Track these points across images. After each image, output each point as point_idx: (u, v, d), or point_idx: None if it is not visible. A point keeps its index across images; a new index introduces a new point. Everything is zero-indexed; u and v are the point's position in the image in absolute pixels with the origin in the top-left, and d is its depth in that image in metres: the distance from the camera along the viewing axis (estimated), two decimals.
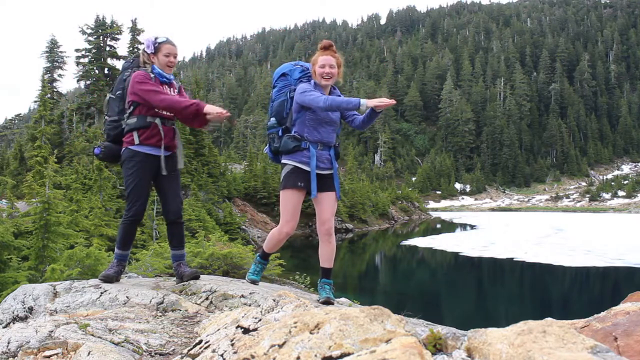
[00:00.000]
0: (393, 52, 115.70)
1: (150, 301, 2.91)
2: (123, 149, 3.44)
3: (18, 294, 3.10)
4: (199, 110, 3.26)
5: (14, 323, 2.74)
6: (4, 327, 2.66)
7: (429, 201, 74.42)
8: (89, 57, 33.00)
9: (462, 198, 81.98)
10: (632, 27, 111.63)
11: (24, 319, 2.83)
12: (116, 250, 3.50)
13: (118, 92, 3.49)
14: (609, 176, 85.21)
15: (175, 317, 2.68)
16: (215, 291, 3.08)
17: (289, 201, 3.12)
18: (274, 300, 2.11)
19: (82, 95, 36.53)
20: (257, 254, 3.60)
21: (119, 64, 33.17)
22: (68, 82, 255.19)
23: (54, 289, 3.13)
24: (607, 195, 74.48)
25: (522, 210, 72.26)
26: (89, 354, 1.90)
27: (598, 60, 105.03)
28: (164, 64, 3.45)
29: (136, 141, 3.36)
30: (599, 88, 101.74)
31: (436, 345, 1.41)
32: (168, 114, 3.47)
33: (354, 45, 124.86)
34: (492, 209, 73.67)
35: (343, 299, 3.97)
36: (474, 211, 70.80)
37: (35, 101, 32.06)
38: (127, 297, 2.96)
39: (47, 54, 35.39)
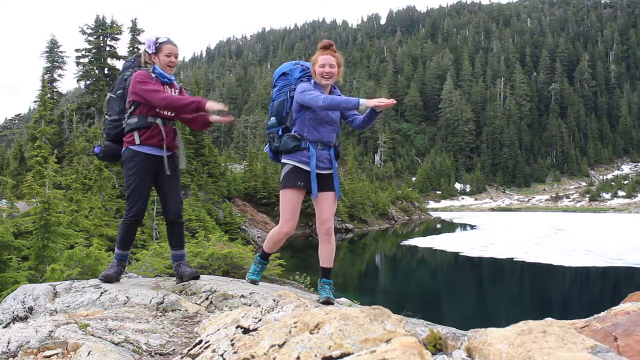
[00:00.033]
0: (393, 52, 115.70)
1: (150, 301, 2.91)
2: (123, 148, 3.44)
3: (18, 294, 3.10)
4: (201, 107, 3.27)
5: (14, 323, 2.74)
6: (4, 327, 2.66)
7: (429, 201, 74.43)
8: (89, 57, 33.01)
9: (462, 198, 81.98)
10: (632, 27, 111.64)
11: (24, 319, 2.83)
12: (116, 250, 3.50)
13: (119, 92, 3.48)
14: (609, 176, 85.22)
15: (175, 317, 2.68)
16: (215, 291, 3.08)
17: (289, 201, 3.12)
18: (274, 300, 2.11)
19: (82, 95, 36.54)
20: (257, 254, 3.60)
21: (119, 64, 33.19)
22: (68, 82, 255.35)
23: (54, 289, 3.13)
24: (607, 195, 74.49)
25: (522, 210, 72.26)
26: (89, 354, 1.90)
27: (598, 60, 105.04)
28: (165, 64, 3.45)
29: (137, 141, 3.36)
30: (599, 88, 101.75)
31: (436, 345, 1.41)
32: (169, 114, 3.47)
33: (354, 45, 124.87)
34: (492, 209, 73.67)
35: (343, 299, 3.97)
36: (474, 211, 70.80)
37: (35, 101, 32.07)
38: (127, 297, 2.96)
39: (47, 54, 35.40)
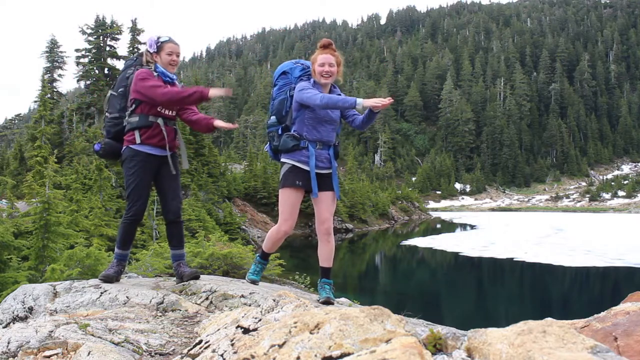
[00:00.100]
0: (393, 52, 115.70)
1: (150, 301, 2.91)
2: (124, 147, 3.44)
3: (18, 294, 3.10)
4: (204, 96, 3.27)
5: (14, 323, 2.74)
6: (4, 327, 2.66)
7: (429, 201, 74.43)
8: (89, 57, 33.00)
9: (462, 198, 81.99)
10: (632, 27, 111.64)
11: (24, 319, 2.83)
12: (116, 250, 3.51)
13: (120, 90, 3.49)
14: (609, 176, 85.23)
15: (175, 317, 2.68)
16: (215, 291, 3.08)
17: (287, 200, 3.13)
18: (274, 300, 2.11)
19: (82, 95, 36.53)
20: (257, 254, 3.60)
21: (119, 64, 33.21)
22: (68, 82, 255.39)
23: (54, 289, 3.13)
24: (607, 195, 74.49)
25: (522, 210, 72.27)
26: (89, 354, 1.90)
27: (598, 60, 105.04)
28: (166, 62, 3.46)
29: (137, 140, 3.36)
30: (599, 88, 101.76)
31: (436, 345, 1.41)
32: (170, 113, 3.48)
33: (354, 45, 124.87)
34: (492, 209, 73.67)
35: (343, 299, 3.97)
36: (474, 211, 70.80)
37: (35, 101, 32.08)
38: (127, 297, 2.96)
39: (47, 54, 35.40)
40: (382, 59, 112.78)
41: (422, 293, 15.75)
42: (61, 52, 35.97)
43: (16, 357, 2.02)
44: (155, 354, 2.10)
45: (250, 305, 2.79)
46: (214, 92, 3.27)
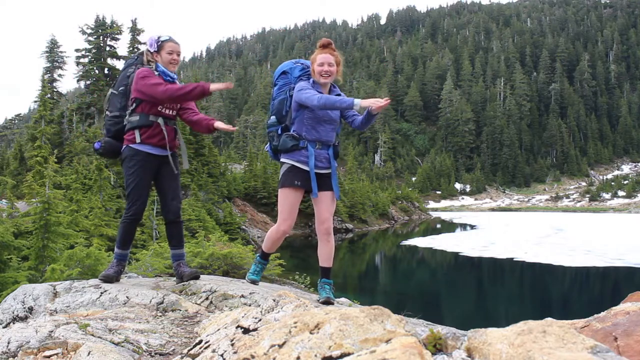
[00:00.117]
0: (393, 52, 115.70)
1: (150, 301, 2.91)
2: (124, 146, 3.44)
3: (18, 294, 3.10)
4: (205, 91, 3.27)
5: (14, 323, 2.74)
6: (4, 327, 2.66)
7: (429, 201, 74.44)
8: (89, 57, 33.02)
9: (462, 198, 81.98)
10: (632, 27, 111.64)
11: (24, 319, 2.83)
12: (116, 249, 3.51)
13: (121, 88, 3.49)
14: (609, 176, 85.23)
15: (175, 317, 2.68)
16: (215, 291, 3.08)
17: (286, 200, 3.13)
18: (274, 300, 2.11)
19: (82, 95, 36.55)
20: (257, 254, 3.61)
21: (119, 64, 33.22)
22: (68, 82, 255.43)
23: (54, 289, 3.13)
24: (607, 195, 74.49)
25: (522, 210, 72.27)
26: (89, 354, 1.90)
27: (598, 60, 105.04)
28: (167, 61, 3.46)
29: (137, 140, 3.36)
30: (599, 88, 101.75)
31: (436, 345, 1.41)
32: (170, 113, 3.48)
33: (354, 45, 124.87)
34: (492, 209, 73.68)
35: (343, 299, 3.97)
36: (474, 211, 70.81)
37: (35, 101, 32.08)
38: (127, 297, 2.96)
39: (47, 54, 35.40)
40: (382, 59, 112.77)
41: (422, 293, 15.75)
42: (61, 52, 36.00)
43: (16, 357, 2.02)
44: (155, 354, 2.10)
45: (250, 305, 2.79)
46: (214, 86, 3.28)
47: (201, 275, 3.57)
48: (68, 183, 19.20)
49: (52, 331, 2.18)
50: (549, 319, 1.32)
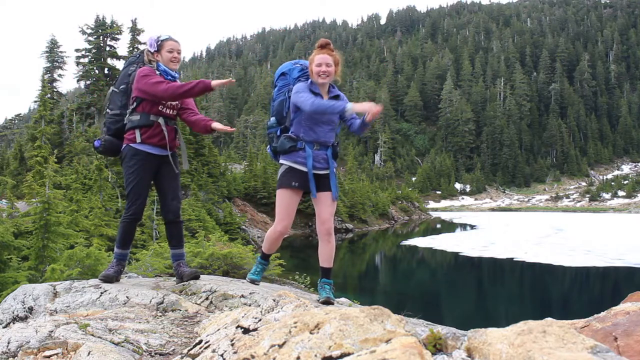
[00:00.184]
0: (393, 52, 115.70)
1: (150, 301, 2.91)
2: (124, 145, 3.44)
3: (18, 294, 3.10)
4: (207, 87, 3.28)
5: (14, 323, 2.74)
6: (4, 327, 2.66)
7: (429, 201, 74.44)
8: (89, 57, 33.05)
9: (462, 198, 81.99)
10: (632, 27, 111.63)
11: (24, 319, 2.83)
12: (116, 249, 3.51)
13: (122, 87, 3.49)
14: (609, 176, 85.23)
15: (175, 317, 2.68)
16: (215, 291, 3.08)
17: (283, 200, 3.13)
18: (274, 300, 2.11)
19: (82, 95, 36.57)
20: (258, 255, 3.61)
21: (119, 64, 33.25)
22: (68, 82, 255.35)
23: (54, 289, 3.13)
24: (607, 195, 74.49)
25: (522, 210, 72.27)
26: (89, 354, 1.90)
27: (598, 60, 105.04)
28: (167, 60, 3.46)
29: (138, 139, 3.36)
30: (599, 88, 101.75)
31: (436, 345, 1.41)
32: (171, 112, 3.48)
33: (354, 45, 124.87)
34: (492, 209, 73.68)
35: (343, 299, 3.98)
36: (474, 211, 70.80)
37: (35, 101, 32.09)
38: (127, 297, 2.96)
39: (47, 54, 35.42)
40: (382, 59, 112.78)
41: (422, 293, 15.75)
42: (61, 52, 36.03)
43: (16, 357, 2.02)
44: (155, 354, 2.10)
45: (250, 305, 2.79)
46: (216, 82, 3.29)
47: (201, 275, 3.57)
48: (68, 183, 19.20)
49: (52, 331, 2.18)
50: (549, 319, 1.32)
